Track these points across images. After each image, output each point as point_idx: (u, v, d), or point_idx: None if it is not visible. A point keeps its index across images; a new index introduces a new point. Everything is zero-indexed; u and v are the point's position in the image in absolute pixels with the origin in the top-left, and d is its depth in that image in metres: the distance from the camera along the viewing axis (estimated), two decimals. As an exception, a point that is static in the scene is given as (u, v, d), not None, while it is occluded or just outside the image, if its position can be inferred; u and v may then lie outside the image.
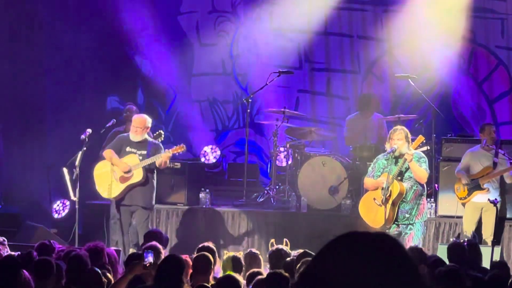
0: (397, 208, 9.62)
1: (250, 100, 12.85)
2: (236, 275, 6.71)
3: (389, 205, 9.52)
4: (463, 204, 11.19)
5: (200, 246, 7.93)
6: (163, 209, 12.27)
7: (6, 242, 8.79)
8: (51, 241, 8.48)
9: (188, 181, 12.51)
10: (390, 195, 9.54)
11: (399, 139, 9.57)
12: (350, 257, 1.85)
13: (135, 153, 10.76)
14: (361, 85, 14.76)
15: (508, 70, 14.14)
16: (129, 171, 10.69)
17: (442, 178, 11.85)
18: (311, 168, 12.19)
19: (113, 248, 9.27)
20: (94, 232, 11.35)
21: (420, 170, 9.60)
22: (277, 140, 12.53)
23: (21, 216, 12.49)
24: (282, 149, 12.86)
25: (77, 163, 10.72)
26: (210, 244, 8.00)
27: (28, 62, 13.41)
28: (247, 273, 7.16)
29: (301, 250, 7.65)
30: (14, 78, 13.25)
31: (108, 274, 6.95)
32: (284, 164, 12.97)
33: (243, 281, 6.69)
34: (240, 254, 8.05)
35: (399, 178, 9.64)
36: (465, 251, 8.24)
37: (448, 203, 11.58)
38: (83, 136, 10.98)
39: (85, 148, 10.86)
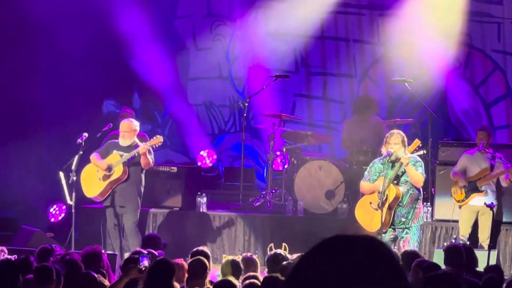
0: (393, 212, 9.61)
1: (246, 104, 12.83)
2: (233, 280, 6.71)
3: (385, 209, 9.51)
4: (460, 207, 11.19)
5: (194, 250, 7.93)
6: (160, 213, 12.26)
7: (6, 251, 8.78)
8: (53, 245, 8.47)
9: (184, 185, 12.49)
10: (386, 199, 9.52)
11: (396, 143, 9.56)
12: (335, 259, 1.85)
13: (118, 153, 10.81)
14: (358, 89, 14.76)
15: (504, 74, 14.13)
16: (109, 169, 10.74)
17: (438, 182, 11.85)
18: (307, 172, 12.19)
19: (108, 252, 9.26)
20: (90, 236, 11.33)
21: (416, 174, 9.60)
22: (273, 144, 12.52)
23: (17, 220, 12.48)
24: (278, 153, 12.86)
25: (73, 167, 10.72)
26: (204, 248, 8.00)
27: (23, 66, 13.40)
28: (243, 277, 7.16)
29: (299, 254, 7.64)
30: (10, 82, 13.24)
31: (103, 278, 6.94)
32: (280, 168, 12.96)
33: (240, 286, 6.69)
34: (239, 258, 8.05)
35: (395, 182, 9.63)
36: (463, 253, 8.22)
37: (444, 207, 11.58)
38: (79, 140, 10.98)
39: (81, 152, 10.86)
